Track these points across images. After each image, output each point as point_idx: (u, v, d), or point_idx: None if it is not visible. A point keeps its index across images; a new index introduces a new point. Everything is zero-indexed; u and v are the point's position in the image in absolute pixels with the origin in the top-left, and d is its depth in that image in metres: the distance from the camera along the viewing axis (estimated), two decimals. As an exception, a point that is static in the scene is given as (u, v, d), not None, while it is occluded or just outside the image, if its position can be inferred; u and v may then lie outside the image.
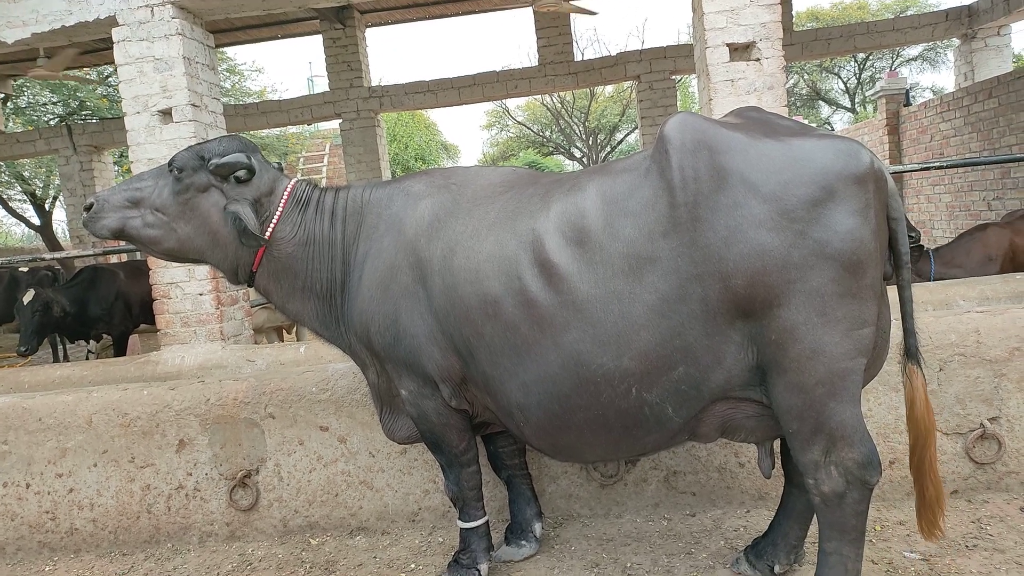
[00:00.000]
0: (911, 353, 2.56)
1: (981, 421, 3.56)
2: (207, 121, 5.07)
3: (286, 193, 3.18)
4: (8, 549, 4.07)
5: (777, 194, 2.34)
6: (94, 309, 7.82)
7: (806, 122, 3.15)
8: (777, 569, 2.96)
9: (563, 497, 3.84)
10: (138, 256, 9.43)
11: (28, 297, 7.19)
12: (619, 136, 29.29)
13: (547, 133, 31.12)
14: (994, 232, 6.05)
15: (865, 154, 2.37)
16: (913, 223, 10.43)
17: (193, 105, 4.88)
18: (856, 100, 29.60)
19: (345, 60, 11.45)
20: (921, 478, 2.57)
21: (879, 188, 2.39)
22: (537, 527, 3.48)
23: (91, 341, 8.36)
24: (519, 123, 31.32)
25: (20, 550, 4.07)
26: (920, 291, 4.25)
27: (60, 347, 9.58)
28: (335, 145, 19.35)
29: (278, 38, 13.06)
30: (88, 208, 3.16)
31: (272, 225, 3.11)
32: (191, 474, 4.01)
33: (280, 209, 3.14)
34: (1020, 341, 3.54)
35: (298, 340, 7.57)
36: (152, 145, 4.90)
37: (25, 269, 9.40)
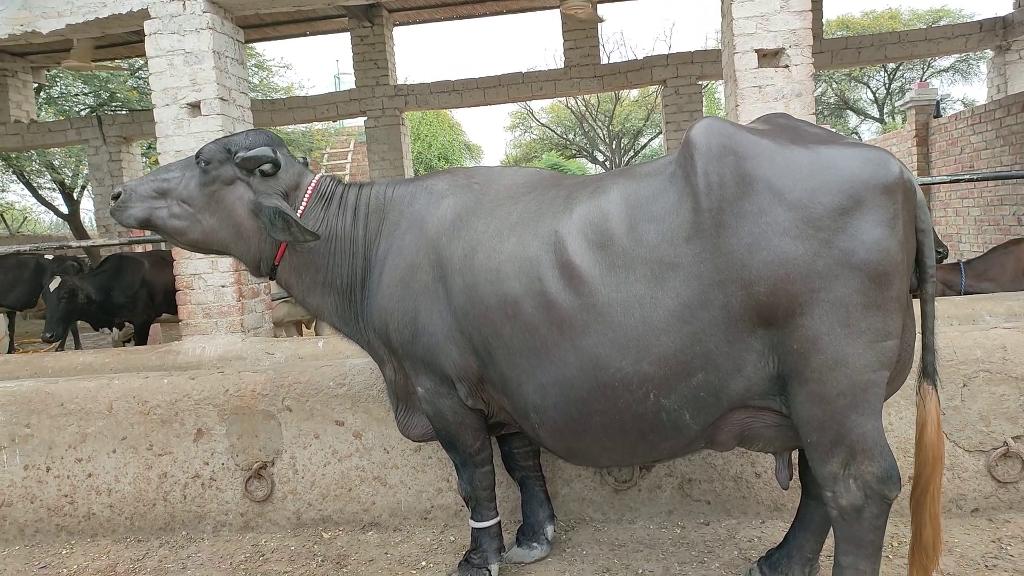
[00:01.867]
0: (928, 372, 2.50)
1: (1005, 439, 3.50)
2: (235, 115, 5.12)
3: (310, 188, 3.20)
4: (27, 531, 4.13)
5: (803, 202, 2.31)
6: (118, 297, 7.92)
7: (834, 131, 3.10)
8: (791, 582, 2.93)
9: (576, 500, 3.83)
10: (163, 246, 9.54)
11: (54, 284, 7.30)
12: (643, 140, 29.18)
13: (570, 136, 31.08)
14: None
15: (894, 163, 2.34)
16: (941, 237, 10.28)
17: (221, 99, 4.93)
18: (885, 111, 29.23)
19: (372, 58, 11.51)
20: (920, 513, 2.49)
21: (907, 199, 2.35)
22: (549, 529, 3.47)
23: (112, 329, 8.47)
24: (543, 125, 31.32)
25: (39, 532, 4.13)
26: (946, 305, 4.19)
27: (73, 337, 9.72)
28: (359, 142, 19.45)
29: (307, 35, 13.15)
30: (116, 197, 3.20)
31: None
32: (208, 463, 4.04)
33: (304, 204, 3.16)
34: (1048, 359, 3.48)
35: (317, 335, 7.62)
36: (180, 137, 4.96)
37: (50, 257, 9.54)
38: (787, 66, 4.43)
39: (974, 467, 3.55)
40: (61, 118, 13.93)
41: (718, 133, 2.46)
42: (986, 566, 3.07)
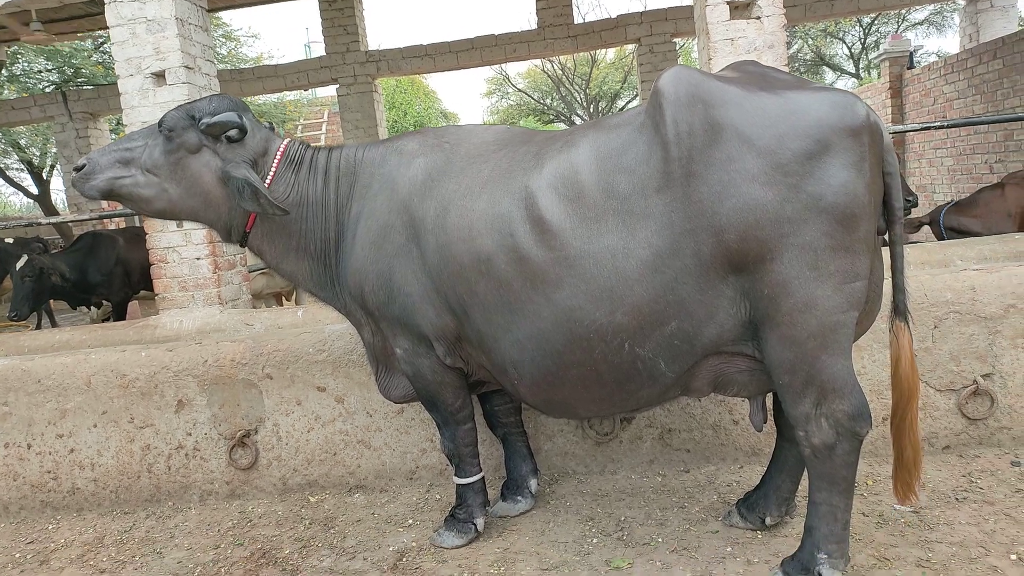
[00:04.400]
0: (899, 310, 2.55)
1: (975, 378, 3.58)
2: (201, 84, 5.01)
3: (279, 153, 3.15)
4: (11, 508, 4.13)
5: (771, 148, 2.33)
6: (93, 275, 7.82)
7: (802, 77, 3.09)
8: (768, 521, 3.01)
9: (559, 455, 3.88)
10: (137, 221, 9.42)
11: (20, 263, 7.19)
12: (620, 104, 29.00)
13: (548, 101, 30.81)
14: (1012, 190, 6.03)
15: (861, 106, 2.35)
16: (914, 188, 10.38)
17: (187, 67, 4.83)
18: (860, 66, 29.20)
19: (342, 24, 11.31)
20: (900, 438, 2.58)
21: (874, 141, 2.37)
22: (533, 483, 3.52)
23: (91, 308, 8.38)
24: (519, 91, 31.00)
25: (23, 509, 4.13)
26: (918, 251, 4.25)
27: (48, 316, 9.59)
28: (333, 113, 19.20)
29: (274, 1, 12.85)
30: (79, 169, 3.13)
31: (266, 185, 3.08)
32: (190, 434, 4.05)
33: (273, 170, 3.12)
34: (1016, 298, 3.55)
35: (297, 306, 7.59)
36: (146, 108, 4.85)
37: (11, 241, 9.37)
38: (759, 17, 4.40)
39: (945, 406, 3.63)
40: (24, 95, 13.58)
41: (686, 81, 2.46)
42: (956, 499, 3.17)
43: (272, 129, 3.30)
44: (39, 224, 6.58)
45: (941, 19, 27.24)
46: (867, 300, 2.46)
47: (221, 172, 3.00)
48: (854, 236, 2.33)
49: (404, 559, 3.19)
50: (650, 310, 2.49)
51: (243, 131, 3.03)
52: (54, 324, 10.02)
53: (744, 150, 2.34)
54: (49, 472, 4.11)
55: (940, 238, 6.02)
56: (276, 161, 3.13)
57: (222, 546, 3.52)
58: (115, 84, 4.92)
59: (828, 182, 2.30)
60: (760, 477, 3.16)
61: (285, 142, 3.21)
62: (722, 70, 2.75)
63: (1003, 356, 3.57)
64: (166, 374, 4.04)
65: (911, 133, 12.20)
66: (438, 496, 3.79)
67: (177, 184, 3.07)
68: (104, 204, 10.16)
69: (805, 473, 2.81)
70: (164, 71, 4.80)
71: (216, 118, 2.97)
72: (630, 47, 15.58)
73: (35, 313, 9.15)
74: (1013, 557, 2.70)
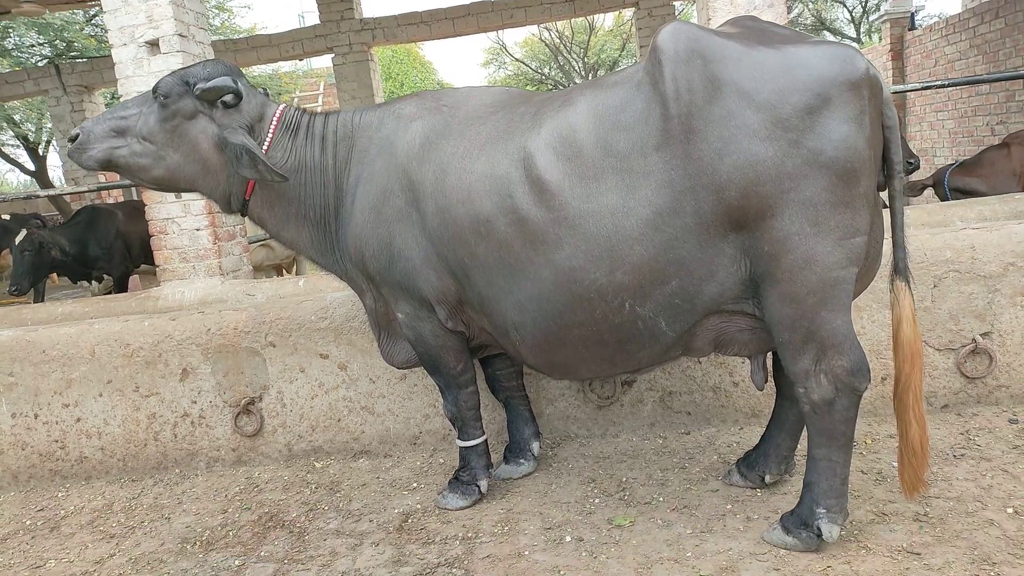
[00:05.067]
0: (899, 269, 2.53)
1: (973, 336, 3.60)
2: (195, 52, 4.96)
3: (275, 119, 3.13)
4: (21, 477, 4.18)
5: (771, 103, 2.31)
6: (94, 249, 7.82)
7: (801, 32, 3.04)
8: (768, 479, 3.04)
9: (561, 418, 3.92)
10: (135, 195, 9.39)
11: (20, 237, 7.18)
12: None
13: (546, 70, 30.49)
14: (1018, 149, 5.99)
15: (860, 60, 2.33)
16: (915, 150, 10.30)
17: (180, 35, 4.77)
18: (861, 30, 28.85)
19: (335, -9, 11.14)
20: (904, 412, 2.53)
21: (874, 95, 2.35)
22: (535, 446, 3.56)
23: (92, 282, 8.39)
24: (517, 60, 30.68)
25: (32, 478, 4.18)
26: (919, 212, 4.24)
27: (39, 295, 9.58)
28: (329, 84, 19.02)
29: (266, -30, 12.67)
30: (73, 139, 3.10)
31: (263, 151, 3.07)
32: (195, 402, 4.08)
33: (270, 136, 3.10)
34: (1015, 256, 3.55)
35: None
36: (141, 78, 4.80)
37: (7, 217, 9.34)
38: (758, -25, 4.35)
39: (944, 365, 3.65)
40: (17, 69, 13.44)
41: (685, 37, 2.43)
42: (955, 456, 3.20)
43: (267, 95, 3.27)
44: (37, 197, 6.56)
45: (944, -20, 26.81)
46: (867, 256, 2.46)
47: (218, 138, 2.99)
48: (854, 191, 2.32)
49: (409, 520, 3.24)
50: (650, 269, 2.49)
51: (239, 96, 3.00)
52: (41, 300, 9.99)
53: (744, 105, 2.33)
54: (57, 441, 4.16)
55: (944, 200, 6.00)
56: (273, 127, 3.11)
57: (230, 511, 3.57)
58: (109, 56, 4.89)
59: (828, 136, 2.29)
60: (759, 437, 3.18)
61: (281, 107, 3.18)
62: (721, 25, 2.72)
63: (1002, 315, 3.58)
64: (169, 343, 4.06)
65: (912, 95, 12.09)
66: (441, 460, 3.83)
67: (174, 151, 3.05)
68: (102, 176, 10.11)
69: (804, 432, 2.84)
70: (158, 39, 4.74)
71: (211, 83, 2.95)
72: (628, 12, 15.38)
73: (34, 290, 9.16)
74: (1009, 511, 2.74)
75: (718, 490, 3.15)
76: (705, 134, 2.36)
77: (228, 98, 2.98)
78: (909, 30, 12.38)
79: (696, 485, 3.23)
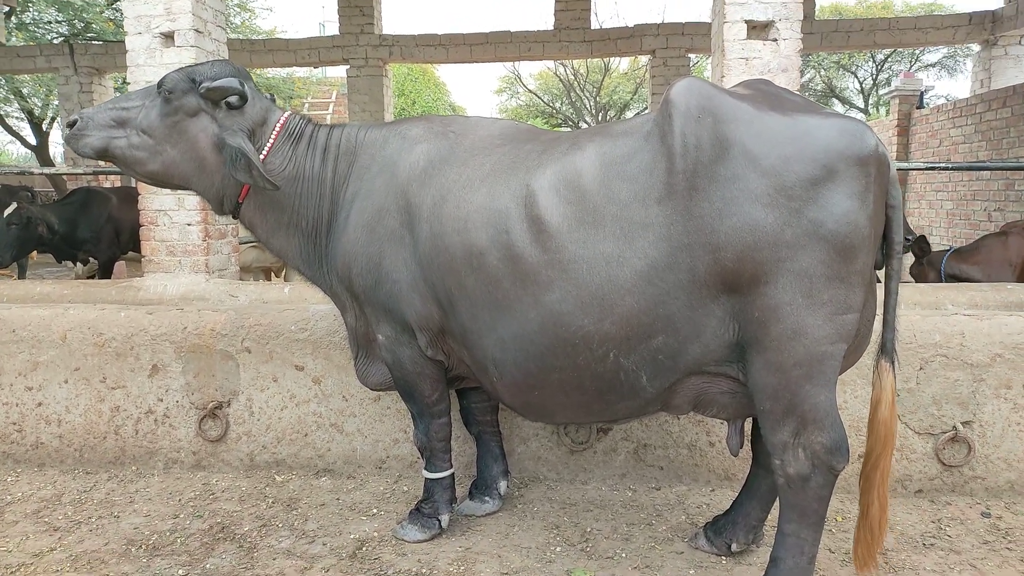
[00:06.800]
0: (886, 349, 2.50)
1: (954, 423, 3.56)
2: (210, 48, 4.94)
3: (279, 125, 3.10)
4: (-28, 457, 4.06)
5: (777, 169, 2.29)
6: (83, 231, 7.74)
7: (813, 101, 3.06)
8: (734, 547, 2.98)
9: (532, 459, 3.84)
10: (132, 181, 9.31)
11: (8, 210, 7.10)
12: (629, 114, 29.02)
13: (557, 104, 30.77)
14: (1016, 239, 6.03)
15: (870, 136, 2.32)
16: (912, 227, 10.39)
17: (196, 30, 4.76)
18: (870, 101, 29.35)
19: (358, 4, 11.23)
20: (869, 491, 2.50)
21: (880, 172, 2.34)
22: (502, 485, 3.48)
23: (77, 264, 8.29)
24: (530, 91, 30.95)
25: (-16, 459, 4.06)
26: (911, 291, 4.23)
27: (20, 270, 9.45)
28: (341, 94, 19.10)
29: (292, -24, 12.77)
30: (71, 125, 3.07)
31: (262, 157, 3.03)
32: (162, 400, 3.98)
33: (271, 141, 3.07)
34: (1003, 348, 3.53)
35: (286, 282, 7.51)
36: (152, 68, 4.78)
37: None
38: (775, 40, 4.38)
39: (922, 449, 3.61)
40: (31, 44, 13.43)
41: (698, 94, 2.42)
42: (924, 544, 3.15)
43: (273, 100, 3.25)
44: (32, 174, 6.47)
45: (953, 63, 27.40)
46: (857, 334, 2.42)
47: (217, 138, 2.96)
48: (851, 267, 2.30)
49: (364, 548, 3.14)
50: (639, 321, 2.45)
51: (243, 99, 2.98)
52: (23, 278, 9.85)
53: (749, 169, 2.31)
54: (14, 424, 4.04)
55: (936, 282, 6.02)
56: (275, 133, 3.08)
57: (181, 516, 3.46)
58: (124, 41, 4.83)
59: (830, 210, 2.27)
60: (731, 502, 3.12)
61: (286, 115, 3.16)
62: (735, 86, 2.71)
63: (985, 405, 3.55)
64: (143, 337, 3.97)
65: (914, 173, 12.24)
66: (405, 488, 3.74)
67: (173, 147, 3.02)
68: (100, 160, 10.04)
69: (775, 503, 2.78)
70: (173, 32, 4.72)
71: (217, 83, 2.92)
72: (644, 58, 15.57)
73: (16, 265, 9.03)
74: (975, 606, 2.68)
75: (683, 552, 3.08)
76: (708, 193, 2.34)
77: (233, 99, 2.96)
78: (917, 108, 12.58)
79: (661, 544, 3.15)
